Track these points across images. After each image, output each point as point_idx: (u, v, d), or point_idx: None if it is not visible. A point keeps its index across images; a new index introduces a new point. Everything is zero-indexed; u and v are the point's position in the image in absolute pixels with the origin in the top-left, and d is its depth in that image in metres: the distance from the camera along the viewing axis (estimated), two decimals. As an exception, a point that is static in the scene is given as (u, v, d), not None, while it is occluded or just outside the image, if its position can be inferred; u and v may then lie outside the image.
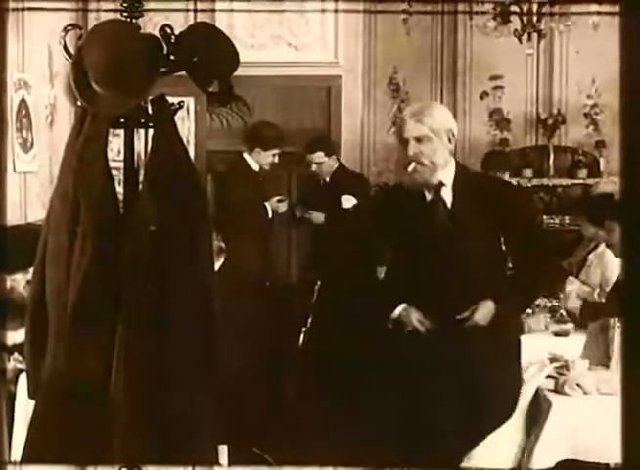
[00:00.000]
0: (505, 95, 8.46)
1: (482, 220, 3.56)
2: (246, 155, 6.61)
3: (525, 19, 6.98)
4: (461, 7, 7.42)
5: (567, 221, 7.98)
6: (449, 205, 3.62)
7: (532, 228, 3.83)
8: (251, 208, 6.48)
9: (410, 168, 3.58)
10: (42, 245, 2.92)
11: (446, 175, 3.63)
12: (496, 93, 8.46)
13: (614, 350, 4.10)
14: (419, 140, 3.56)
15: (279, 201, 6.58)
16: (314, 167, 6.75)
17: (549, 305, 5.40)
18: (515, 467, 3.85)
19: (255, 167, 6.59)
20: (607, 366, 4.11)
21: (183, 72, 2.94)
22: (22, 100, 6.22)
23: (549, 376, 4.14)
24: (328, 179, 6.80)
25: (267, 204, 6.55)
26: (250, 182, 6.55)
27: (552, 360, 4.23)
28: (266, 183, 6.68)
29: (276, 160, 6.61)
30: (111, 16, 2.95)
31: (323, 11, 7.50)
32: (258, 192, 6.56)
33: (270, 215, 6.57)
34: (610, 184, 8.02)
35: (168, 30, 2.88)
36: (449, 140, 3.62)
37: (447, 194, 3.62)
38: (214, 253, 3.78)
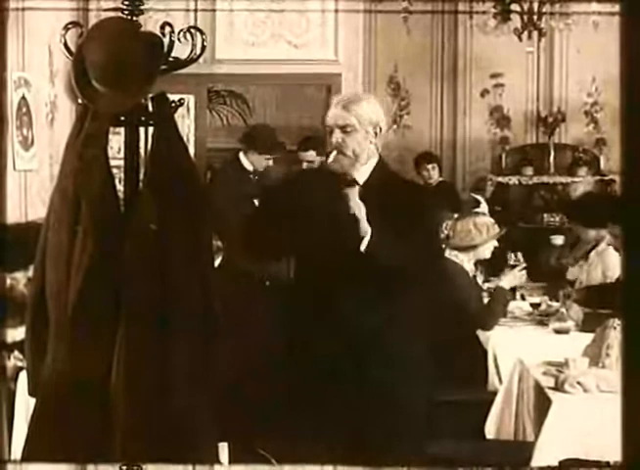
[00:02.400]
0: (505, 93, 8.47)
1: (385, 223, 3.35)
2: (241, 154, 6.64)
3: (525, 17, 6.98)
4: (461, 6, 7.43)
5: (567, 219, 7.98)
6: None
7: (429, 234, 3.54)
8: (241, 205, 6.49)
9: (331, 158, 3.40)
10: (42, 243, 2.92)
11: (362, 172, 3.46)
12: (497, 91, 8.47)
13: (613, 348, 4.10)
14: (344, 129, 3.40)
15: None
16: (305, 166, 6.80)
17: (551, 306, 5.41)
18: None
19: (249, 167, 6.62)
20: (606, 365, 4.11)
21: (183, 70, 2.94)
22: (23, 98, 6.22)
23: (549, 374, 4.16)
24: None
25: (256, 201, 6.56)
26: (242, 181, 6.56)
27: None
28: (259, 182, 6.69)
29: (270, 163, 6.63)
30: (111, 14, 2.95)
31: (323, 11, 7.50)
32: (250, 190, 6.57)
33: None
34: (585, 184, 8.07)
35: (169, 28, 2.88)
36: (375, 134, 3.44)
37: (355, 192, 3.42)
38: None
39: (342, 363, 3.36)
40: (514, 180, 8.28)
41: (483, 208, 6.11)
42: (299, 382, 3.47)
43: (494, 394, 4.61)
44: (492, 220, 5.67)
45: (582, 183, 8.21)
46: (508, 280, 5.26)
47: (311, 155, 6.77)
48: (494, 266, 5.72)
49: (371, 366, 3.37)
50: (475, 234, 5.27)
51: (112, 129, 2.88)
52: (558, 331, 5.05)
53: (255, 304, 5.60)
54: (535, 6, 6.96)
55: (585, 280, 5.75)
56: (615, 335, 4.12)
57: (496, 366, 4.94)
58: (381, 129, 3.46)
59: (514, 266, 5.36)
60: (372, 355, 3.37)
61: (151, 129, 2.89)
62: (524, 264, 5.35)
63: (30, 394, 3.02)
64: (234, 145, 7.16)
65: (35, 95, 6.43)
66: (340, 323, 3.37)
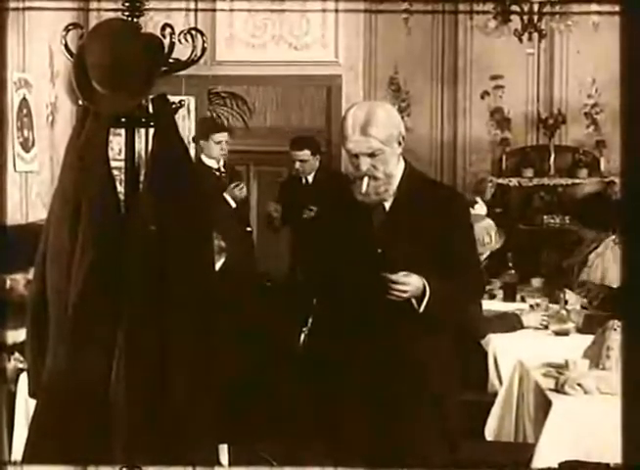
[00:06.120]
0: (506, 94, 8.47)
1: (419, 227, 3.33)
2: (202, 156, 6.66)
3: (525, 18, 6.98)
4: (462, 7, 7.43)
5: (567, 221, 7.99)
6: (387, 208, 3.38)
7: (465, 240, 3.47)
8: (213, 202, 6.52)
9: (364, 186, 3.30)
10: (43, 244, 2.93)
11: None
12: (497, 93, 8.46)
13: (613, 350, 4.10)
14: (371, 155, 3.28)
15: (235, 187, 6.60)
16: (297, 165, 6.83)
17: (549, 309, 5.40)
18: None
19: (213, 165, 6.64)
20: (606, 366, 4.11)
21: (184, 72, 2.94)
22: (24, 99, 6.22)
23: (549, 376, 4.16)
24: (311, 179, 6.88)
25: (225, 194, 6.58)
26: (209, 179, 6.58)
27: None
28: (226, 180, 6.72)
29: (224, 146, 6.64)
30: (111, 15, 2.96)
31: (324, 11, 7.51)
32: (218, 187, 6.60)
33: (234, 205, 6.62)
34: (592, 185, 8.08)
35: (169, 29, 2.88)
36: (400, 144, 3.35)
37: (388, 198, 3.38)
38: (215, 252, 3.78)
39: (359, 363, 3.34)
40: (514, 182, 8.28)
41: (479, 208, 6.06)
42: (312, 385, 3.46)
43: (494, 395, 4.61)
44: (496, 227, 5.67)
45: (587, 185, 8.21)
46: (528, 319, 5.22)
47: (305, 154, 6.80)
48: (489, 271, 5.70)
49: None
50: (486, 239, 5.28)
51: (112, 130, 2.89)
52: (558, 333, 5.05)
53: (255, 303, 5.61)
54: (535, 7, 6.96)
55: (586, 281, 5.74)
56: (615, 337, 4.12)
57: (496, 368, 4.94)
58: (404, 137, 3.36)
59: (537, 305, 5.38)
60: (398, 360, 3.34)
61: (151, 131, 2.89)
62: (548, 313, 5.31)
63: (31, 395, 3.03)
64: (234, 147, 7.17)
65: (36, 96, 6.44)
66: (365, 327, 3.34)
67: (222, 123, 6.91)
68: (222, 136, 6.64)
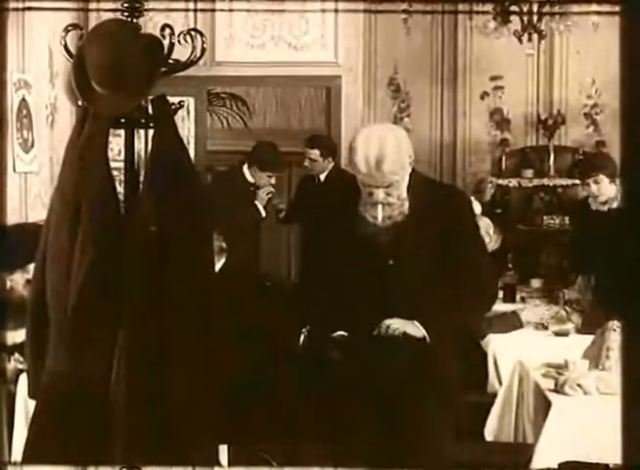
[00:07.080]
0: (505, 95, 8.46)
1: (427, 233, 3.35)
2: (245, 167, 6.65)
3: (525, 19, 6.98)
4: (461, 7, 7.43)
5: (567, 221, 7.98)
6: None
7: (472, 239, 3.47)
8: (243, 209, 6.53)
9: (379, 214, 3.33)
10: (43, 245, 2.93)
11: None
12: (496, 93, 8.46)
13: (613, 350, 4.11)
14: (387, 187, 3.30)
15: (267, 194, 6.62)
16: (307, 162, 6.84)
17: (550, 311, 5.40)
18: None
19: (250, 180, 6.64)
20: (606, 367, 4.11)
21: (183, 73, 2.94)
22: (23, 100, 6.22)
23: (549, 376, 4.16)
24: (323, 178, 6.88)
25: (257, 202, 6.60)
26: (242, 191, 6.57)
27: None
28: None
29: (272, 181, 6.64)
30: (111, 15, 2.96)
31: (323, 11, 7.50)
32: (248, 201, 6.60)
33: (264, 214, 6.64)
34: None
35: (169, 30, 2.88)
36: (410, 164, 3.35)
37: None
38: (215, 252, 3.78)
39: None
40: (514, 182, 8.27)
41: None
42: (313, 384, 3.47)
43: (494, 396, 4.61)
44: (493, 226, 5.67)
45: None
46: (527, 315, 5.23)
47: (314, 153, 6.80)
48: None
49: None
50: (485, 239, 5.28)
51: (112, 131, 2.89)
52: (558, 333, 5.05)
53: (256, 303, 5.61)
54: (535, 7, 6.96)
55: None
56: (614, 337, 4.12)
57: (496, 368, 4.94)
58: (413, 159, 3.36)
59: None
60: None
61: (151, 131, 2.89)
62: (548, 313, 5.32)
63: (31, 396, 3.03)
64: (234, 147, 7.16)
65: (36, 97, 6.43)
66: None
67: (282, 161, 6.79)
68: (275, 174, 6.65)
